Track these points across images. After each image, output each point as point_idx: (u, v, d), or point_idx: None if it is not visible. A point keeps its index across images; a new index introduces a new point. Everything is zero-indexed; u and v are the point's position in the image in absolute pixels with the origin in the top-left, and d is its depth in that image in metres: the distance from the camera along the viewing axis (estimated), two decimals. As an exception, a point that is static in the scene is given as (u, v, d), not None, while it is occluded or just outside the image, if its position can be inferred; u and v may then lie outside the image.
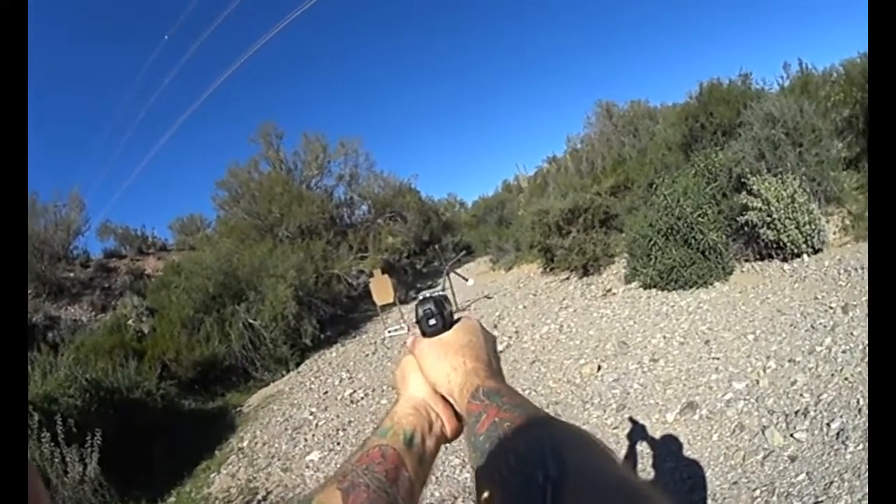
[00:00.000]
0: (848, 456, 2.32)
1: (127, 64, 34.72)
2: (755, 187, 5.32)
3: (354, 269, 10.10)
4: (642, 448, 3.05)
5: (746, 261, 5.58)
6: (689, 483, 2.62)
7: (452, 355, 0.57)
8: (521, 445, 0.40)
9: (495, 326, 6.52)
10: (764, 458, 2.60)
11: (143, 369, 5.73)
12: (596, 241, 7.39)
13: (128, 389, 4.95)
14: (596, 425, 3.44)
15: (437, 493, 3.11)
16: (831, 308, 3.94)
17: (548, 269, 8.44)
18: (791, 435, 2.67)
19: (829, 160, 5.52)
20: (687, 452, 2.88)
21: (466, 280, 8.10)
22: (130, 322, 7.68)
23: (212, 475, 4.39)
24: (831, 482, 2.22)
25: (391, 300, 7.69)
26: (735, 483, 2.51)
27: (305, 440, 4.61)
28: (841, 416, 2.60)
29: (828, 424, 2.60)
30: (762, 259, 5.47)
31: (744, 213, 5.44)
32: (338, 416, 4.97)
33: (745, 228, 5.52)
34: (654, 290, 5.75)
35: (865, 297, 3.81)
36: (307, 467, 4.08)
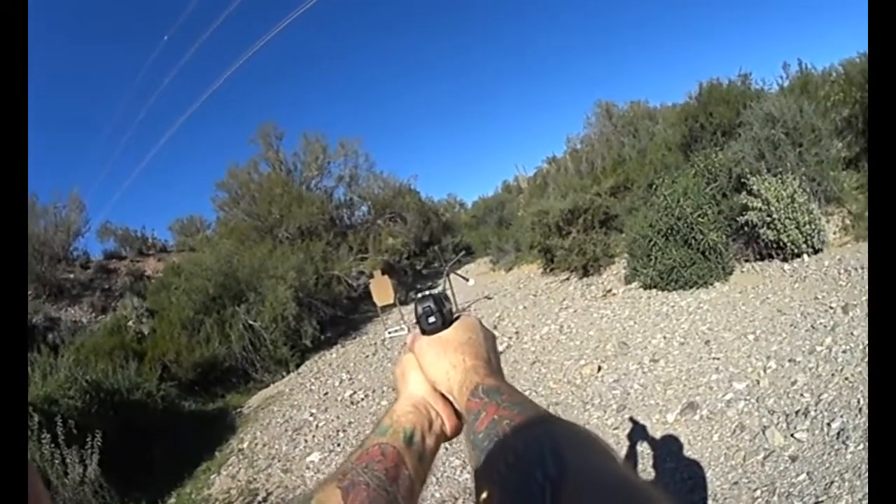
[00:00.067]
0: (848, 456, 2.32)
1: (127, 64, 34.82)
2: (755, 187, 5.32)
3: (354, 270, 10.11)
4: (643, 448, 3.04)
5: (746, 261, 5.58)
6: (690, 483, 2.62)
7: (452, 353, 0.57)
8: (521, 443, 0.40)
9: (495, 327, 6.52)
10: (764, 458, 2.60)
11: (143, 371, 5.73)
12: (596, 242, 7.39)
13: (128, 391, 4.95)
14: (596, 426, 3.44)
15: (437, 494, 3.11)
16: (831, 308, 3.93)
17: (548, 270, 8.45)
18: (792, 435, 2.67)
19: (828, 160, 5.53)
20: (687, 453, 2.88)
21: (467, 280, 8.10)
22: (130, 323, 7.68)
23: (212, 476, 4.38)
24: (832, 482, 2.21)
25: (391, 301, 7.69)
26: (736, 483, 2.51)
27: (306, 441, 4.60)
28: (841, 416, 2.60)
29: (828, 424, 2.60)
30: (762, 259, 5.47)
31: (744, 213, 5.44)
32: (338, 418, 4.97)
33: (745, 228, 5.52)
34: (654, 291, 5.75)
35: (865, 297, 3.81)
36: (307, 468, 4.08)
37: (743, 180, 5.60)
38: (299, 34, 40.73)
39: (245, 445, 4.88)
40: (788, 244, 5.12)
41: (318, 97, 38.74)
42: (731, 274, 5.45)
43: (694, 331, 4.49)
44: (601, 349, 4.75)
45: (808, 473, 2.35)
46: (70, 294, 9.96)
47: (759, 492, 2.38)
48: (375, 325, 8.60)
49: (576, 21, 49.17)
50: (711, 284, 5.36)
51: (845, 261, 4.70)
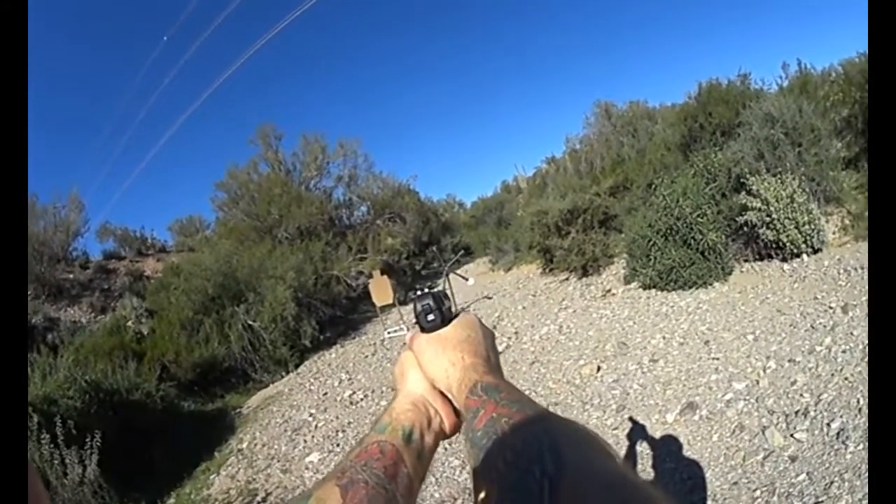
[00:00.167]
0: (848, 456, 2.32)
1: (127, 64, 34.83)
2: (754, 187, 5.33)
3: (353, 270, 10.11)
4: (642, 448, 3.04)
5: (746, 261, 5.59)
6: (690, 483, 2.62)
7: (451, 350, 0.57)
8: (519, 441, 0.40)
9: (495, 327, 6.52)
10: (764, 458, 2.60)
11: (142, 371, 5.73)
12: (595, 242, 7.38)
13: (127, 391, 4.95)
14: (596, 426, 3.44)
15: (436, 495, 3.11)
16: (831, 308, 3.94)
17: (547, 270, 8.44)
18: (791, 435, 2.67)
19: (828, 160, 5.53)
20: (687, 453, 2.88)
21: (467, 280, 8.09)
22: (130, 323, 7.68)
23: (211, 476, 4.38)
24: (832, 482, 2.22)
25: (390, 301, 7.69)
26: (735, 483, 2.51)
27: (305, 441, 4.60)
28: (841, 416, 2.60)
29: (828, 424, 2.60)
30: (762, 259, 5.47)
31: (743, 213, 5.45)
32: (337, 418, 4.97)
33: (745, 228, 5.52)
34: (653, 291, 5.75)
35: (865, 297, 3.81)
36: (307, 469, 4.08)
37: (742, 180, 5.60)
38: (298, 35, 40.83)
39: (244, 446, 4.88)
40: (788, 244, 5.12)
41: (317, 98, 38.81)
42: (730, 274, 5.45)
43: (693, 331, 4.49)
44: (600, 349, 4.75)
45: (807, 473, 2.35)
46: (69, 294, 9.95)
47: (758, 492, 2.38)
48: (374, 326, 8.60)
49: (576, 21, 49.31)
50: (711, 284, 5.36)
51: (845, 261, 4.70)
